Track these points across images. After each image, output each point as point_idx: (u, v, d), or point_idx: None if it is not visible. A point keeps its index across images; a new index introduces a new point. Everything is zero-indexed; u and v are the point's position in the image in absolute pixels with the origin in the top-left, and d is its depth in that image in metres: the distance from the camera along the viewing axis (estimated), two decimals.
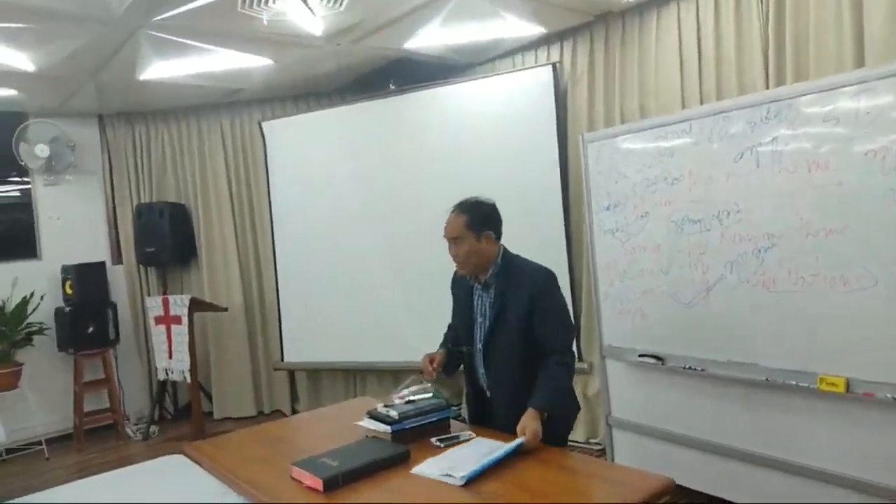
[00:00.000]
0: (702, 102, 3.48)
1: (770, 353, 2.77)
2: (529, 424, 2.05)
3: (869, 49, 2.79)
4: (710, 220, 2.99)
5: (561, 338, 2.29)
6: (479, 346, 2.39)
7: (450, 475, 1.80)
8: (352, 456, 1.97)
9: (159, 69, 4.28)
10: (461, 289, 2.50)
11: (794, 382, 2.68)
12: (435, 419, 2.23)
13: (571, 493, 1.73)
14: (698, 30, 3.50)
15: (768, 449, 2.84)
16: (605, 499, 1.63)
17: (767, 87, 3.16)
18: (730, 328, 2.93)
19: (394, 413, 2.17)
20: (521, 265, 2.37)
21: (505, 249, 2.40)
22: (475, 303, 2.42)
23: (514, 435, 2.04)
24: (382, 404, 2.27)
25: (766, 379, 2.79)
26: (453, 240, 2.34)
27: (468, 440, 2.11)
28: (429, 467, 1.88)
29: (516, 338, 2.28)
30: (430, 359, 2.43)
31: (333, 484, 1.81)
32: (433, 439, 2.12)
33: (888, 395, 2.39)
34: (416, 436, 2.14)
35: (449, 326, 2.63)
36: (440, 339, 2.61)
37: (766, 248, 2.76)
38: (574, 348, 2.37)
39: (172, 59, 4.11)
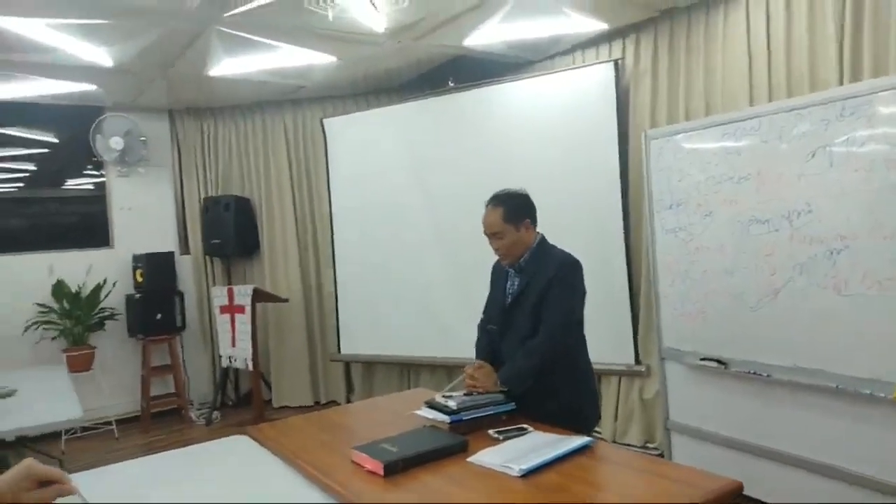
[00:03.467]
0: (770, 100, 3.37)
1: (841, 359, 2.67)
2: (488, 376, 2.29)
3: None
4: (778, 221, 2.90)
5: (552, 322, 2.32)
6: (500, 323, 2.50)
7: (509, 466, 1.80)
8: (411, 443, 1.99)
9: (227, 65, 4.42)
10: (499, 275, 2.60)
11: (868, 391, 2.58)
12: (492, 412, 2.23)
13: (634, 490, 1.71)
14: (768, 23, 3.39)
15: (837, 460, 2.74)
16: (669, 496, 1.60)
17: (842, 84, 3.04)
18: (798, 333, 2.84)
19: (452, 404, 2.18)
20: (551, 252, 2.44)
21: (542, 237, 2.47)
22: (507, 286, 2.52)
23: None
24: (441, 395, 2.29)
25: (837, 386, 2.69)
26: (494, 234, 2.42)
27: (526, 433, 2.10)
28: (487, 457, 1.89)
29: (529, 316, 2.36)
30: (471, 374, 2.36)
31: (394, 469, 1.84)
32: (491, 431, 2.12)
33: None
34: (473, 427, 2.15)
35: (479, 329, 2.69)
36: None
37: (838, 250, 2.67)
38: (563, 340, 2.35)
39: (240, 55, 4.25)
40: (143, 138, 5.64)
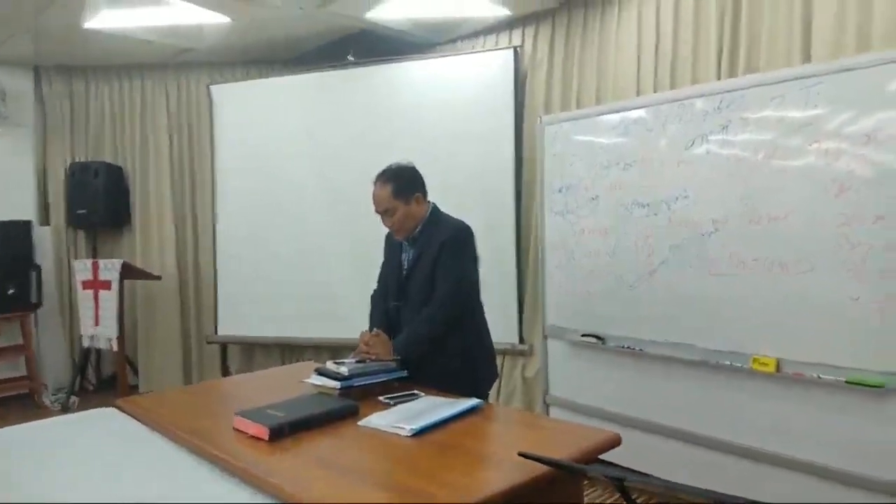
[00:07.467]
0: (656, 93, 3.56)
1: (707, 334, 2.88)
2: (384, 345, 2.29)
3: (815, 47, 2.92)
4: (658, 205, 3.08)
5: (443, 288, 2.34)
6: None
7: (400, 426, 1.77)
8: (298, 408, 1.92)
9: (107, 18, 4.06)
10: (393, 245, 2.58)
11: (728, 363, 2.80)
12: (384, 379, 2.20)
13: (523, 443, 1.73)
14: (658, 22, 3.57)
15: (704, 428, 2.94)
16: (558, 447, 1.63)
17: (719, 80, 3.26)
18: (670, 310, 3.03)
19: (344, 370, 2.13)
20: (444, 220, 2.45)
21: (434, 207, 2.48)
22: (403, 258, 2.50)
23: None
24: (332, 362, 2.22)
25: (702, 359, 2.89)
26: (385, 212, 2.40)
27: (417, 398, 2.09)
28: (378, 419, 1.85)
29: (424, 286, 2.38)
30: (367, 341, 2.37)
31: (279, 433, 1.76)
32: (382, 397, 2.09)
33: (815, 375, 2.52)
34: (364, 394, 2.11)
35: (372, 300, 2.65)
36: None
37: (710, 232, 2.87)
38: (456, 303, 2.36)
39: (123, 7, 3.91)
40: (0, 93, 5.06)
